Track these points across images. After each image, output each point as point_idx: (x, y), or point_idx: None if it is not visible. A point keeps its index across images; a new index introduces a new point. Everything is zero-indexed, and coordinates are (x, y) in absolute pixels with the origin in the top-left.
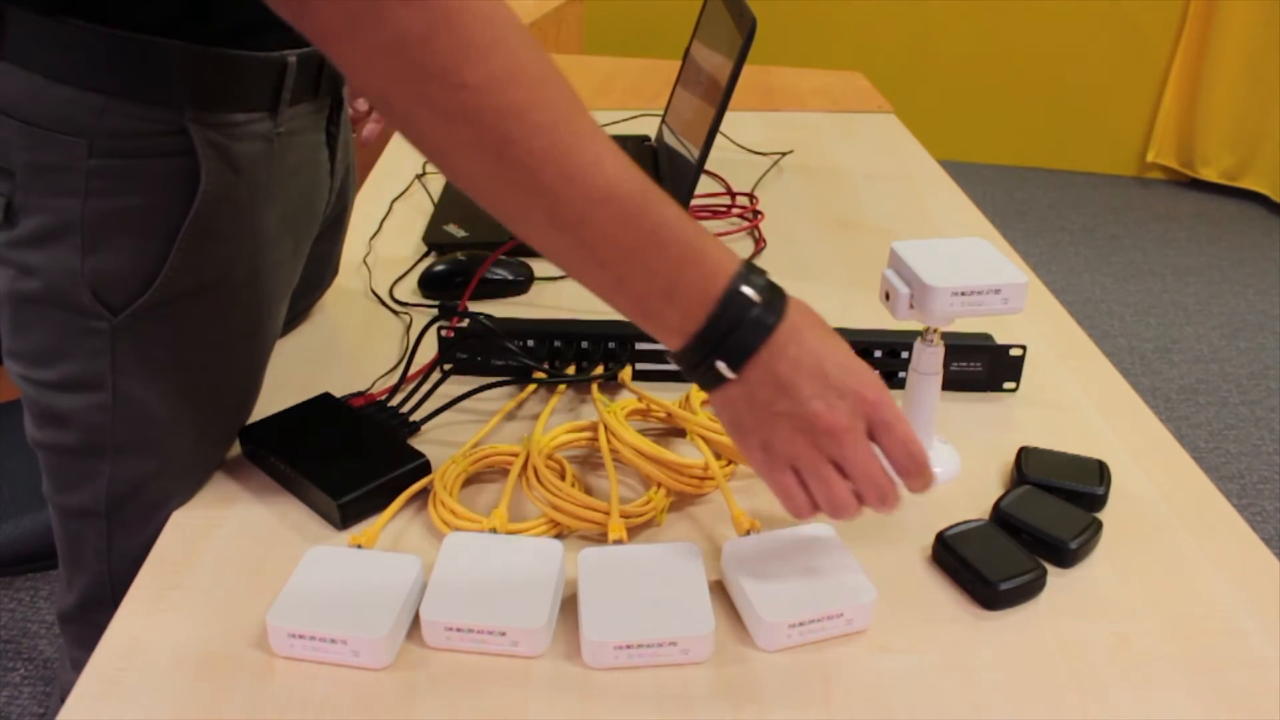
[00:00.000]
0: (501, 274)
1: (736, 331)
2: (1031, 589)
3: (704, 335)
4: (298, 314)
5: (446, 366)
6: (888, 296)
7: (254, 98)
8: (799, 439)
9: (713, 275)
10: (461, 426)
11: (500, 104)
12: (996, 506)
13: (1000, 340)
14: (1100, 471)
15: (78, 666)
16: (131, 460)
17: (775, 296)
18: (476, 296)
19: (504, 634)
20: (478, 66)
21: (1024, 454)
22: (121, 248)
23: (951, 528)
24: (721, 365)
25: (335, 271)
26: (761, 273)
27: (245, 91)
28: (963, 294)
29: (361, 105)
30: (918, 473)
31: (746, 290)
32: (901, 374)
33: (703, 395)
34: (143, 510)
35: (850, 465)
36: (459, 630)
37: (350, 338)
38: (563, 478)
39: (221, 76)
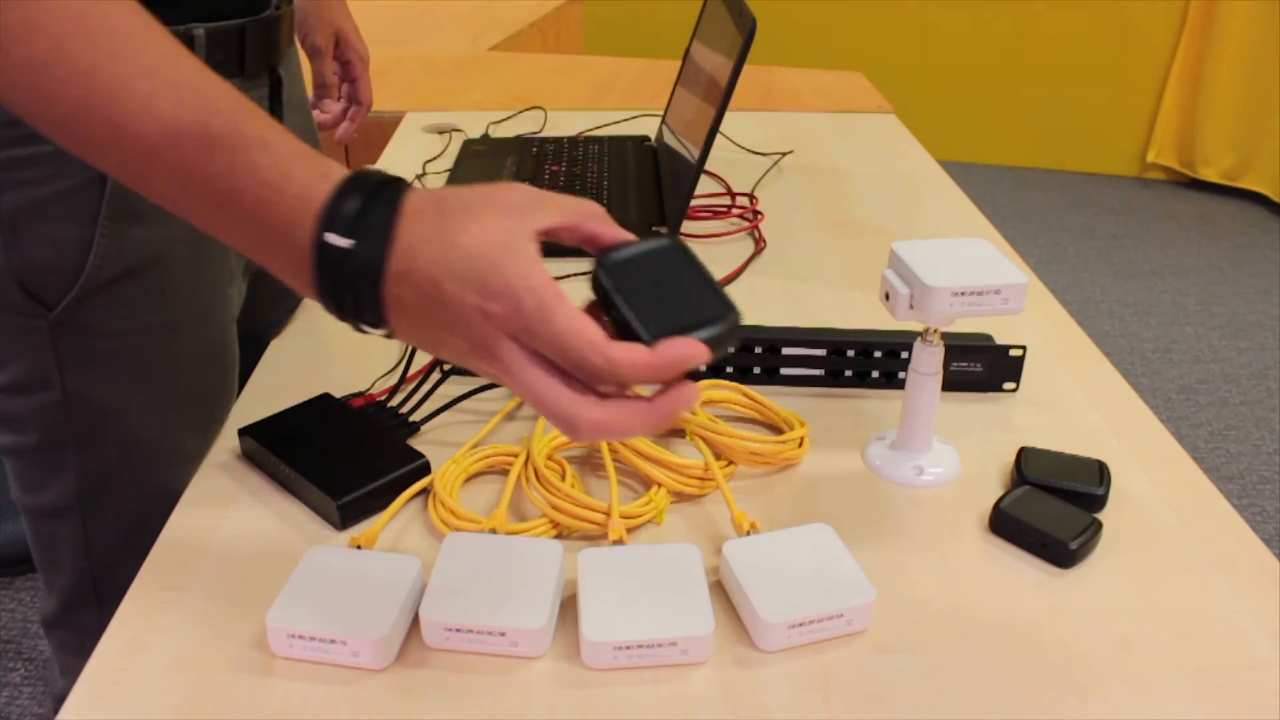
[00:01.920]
0: None
1: (349, 288)
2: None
3: (326, 300)
4: (289, 307)
5: (446, 367)
6: (888, 296)
7: None
8: (469, 363)
9: (298, 221)
10: (461, 426)
11: (21, 60)
12: (996, 507)
13: (1000, 340)
14: (1100, 472)
15: (66, 672)
16: (95, 453)
17: (371, 223)
18: None
19: (504, 634)
20: None
21: (1024, 454)
22: (44, 239)
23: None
24: (369, 328)
25: None
26: (353, 192)
27: None
28: (963, 294)
29: (332, 106)
30: (593, 377)
31: (334, 240)
32: (901, 374)
33: (703, 395)
34: (117, 501)
35: (513, 387)
36: (459, 631)
37: (350, 338)
38: (563, 478)
39: None
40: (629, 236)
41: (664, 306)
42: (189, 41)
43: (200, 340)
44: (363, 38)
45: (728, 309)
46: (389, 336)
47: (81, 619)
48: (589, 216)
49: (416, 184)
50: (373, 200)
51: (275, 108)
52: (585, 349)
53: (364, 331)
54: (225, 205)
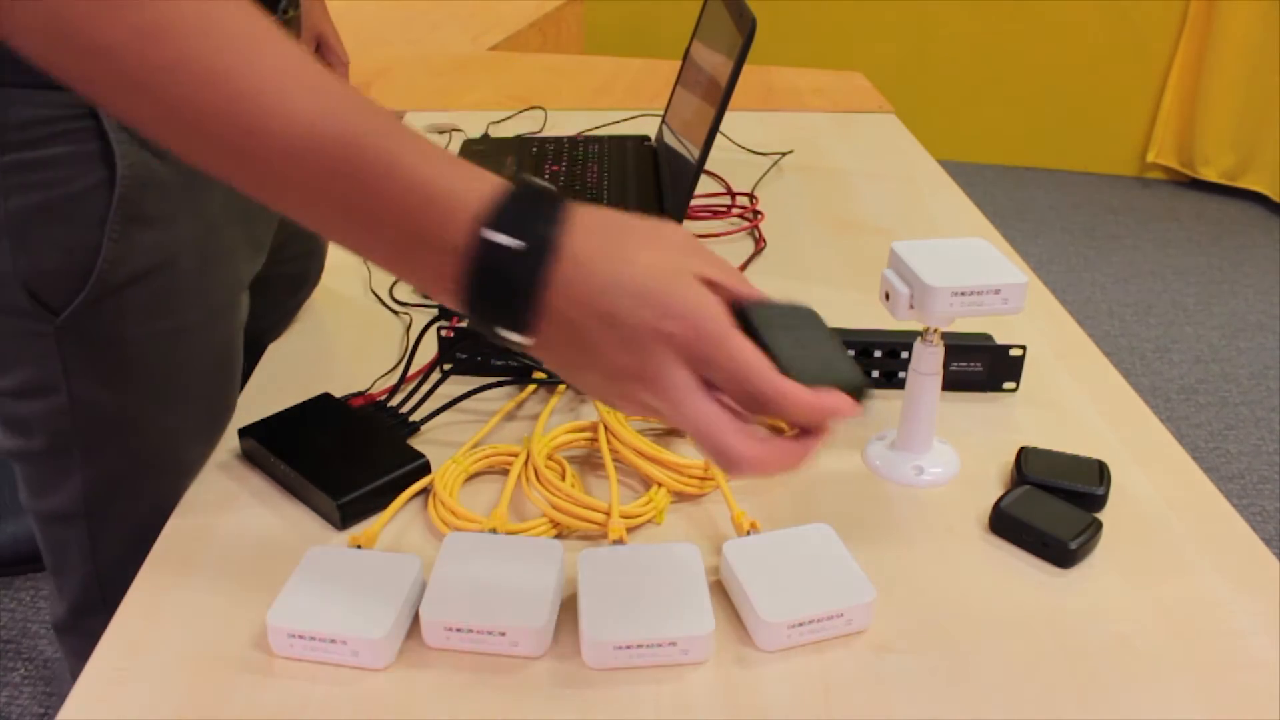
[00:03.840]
0: None
1: (501, 291)
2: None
3: (473, 309)
4: (288, 311)
5: (446, 366)
6: (888, 296)
7: None
8: (619, 388)
9: (452, 220)
10: (461, 426)
11: (151, 63)
12: (996, 506)
13: (1000, 340)
14: (1100, 471)
15: (77, 677)
16: (101, 459)
17: (540, 229)
18: None
19: (504, 634)
20: (114, 26)
21: (1024, 454)
22: (50, 243)
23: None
24: (507, 333)
25: (321, 268)
26: (522, 196)
27: None
28: (963, 294)
29: None
30: (762, 406)
31: (496, 237)
32: (901, 374)
33: None
34: (123, 508)
35: (675, 418)
36: (459, 630)
37: (350, 338)
38: (563, 478)
39: None
40: (767, 296)
41: (810, 359)
42: None
43: (207, 346)
44: (342, 42)
45: (863, 377)
46: (523, 349)
47: (90, 625)
48: (738, 278)
49: None
50: (538, 205)
51: None
52: (759, 377)
53: (499, 341)
54: (371, 205)
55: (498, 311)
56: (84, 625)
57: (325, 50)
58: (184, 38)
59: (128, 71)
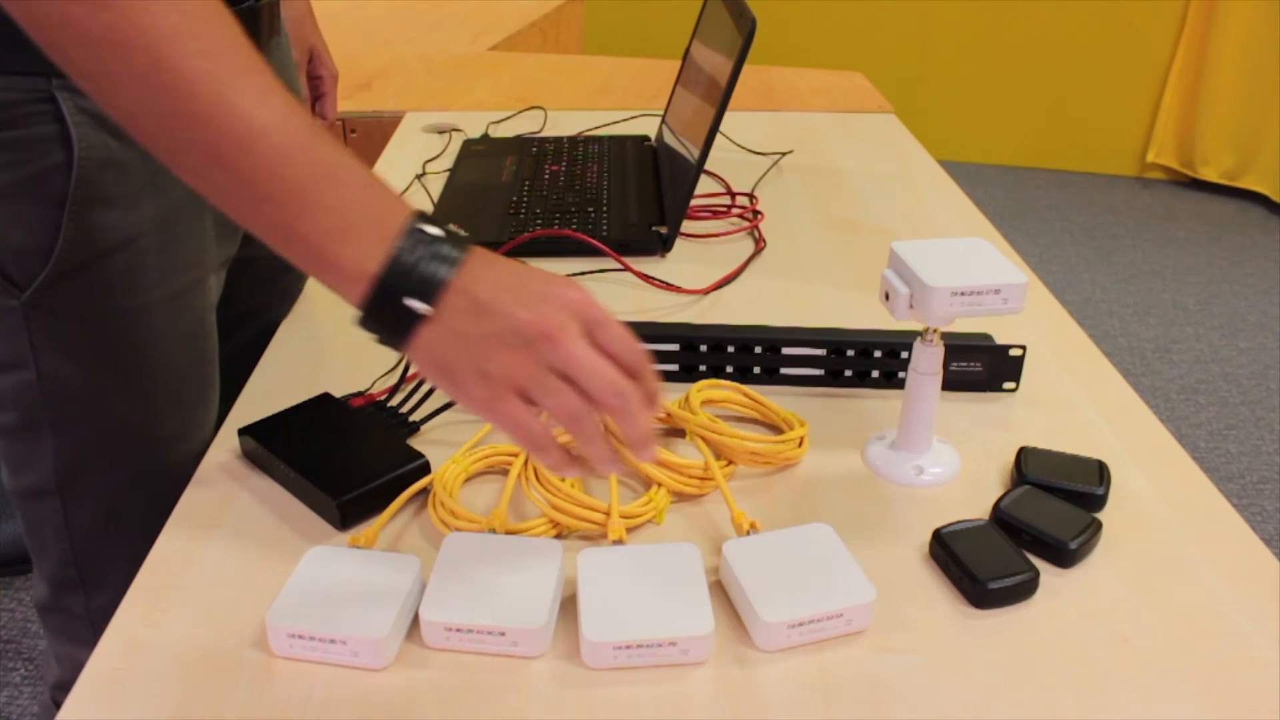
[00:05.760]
0: None
1: (424, 263)
2: (1022, 590)
3: (389, 274)
4: (282, 290)
5: None
6: (888, 296)
7: None
8: (515, 355)
9: (392, 214)
10: (461, 426)
11: (149, 25)
12: (996, 506)
13: (1000, 340)
14: (1100, 471)
15: (61, 660)
16: (70, 434)
17: (457, 236)
18: None
19: (504, 634)
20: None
21: (1024, 454)
22: (14, 221)
23: (949, 525)
24: (412, 301)
25: None
26: (440, 220)
27: None
28: (962, 294)
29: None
30: (639, 369)
31: (426, 226)
32: (901, 374)
33: (703, 395)
34: (94, 484)
35: (575, 365)
36: (459, 630)
37: (350, 338)
38: (562, 478)
39: None
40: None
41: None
42: None
43: (174, 326)
44: (331, 55)
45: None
46: (399, 346)
47: (69, 604)
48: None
49: (416, 184)
50: (453, 229)
51: None
52: (637, 344)
53: (387, 340)
54: (320, 190)
55: (415, 283)
56: (63, 605)
57: (316, 62)
58: (180, 12)
59: (124, 30)
